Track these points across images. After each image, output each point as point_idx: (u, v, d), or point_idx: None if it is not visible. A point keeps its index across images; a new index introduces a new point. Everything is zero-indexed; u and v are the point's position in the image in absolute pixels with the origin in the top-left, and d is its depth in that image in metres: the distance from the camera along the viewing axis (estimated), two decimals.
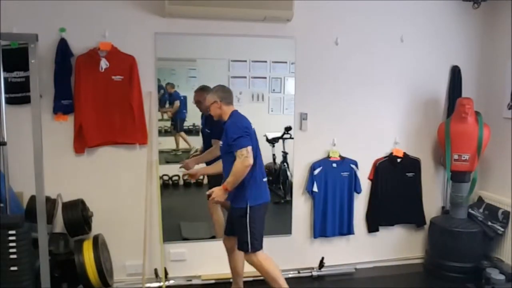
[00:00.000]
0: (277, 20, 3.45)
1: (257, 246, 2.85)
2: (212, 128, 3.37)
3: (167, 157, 3.53)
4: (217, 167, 3.03)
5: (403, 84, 3.86)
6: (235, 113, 2.88)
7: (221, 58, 3.51)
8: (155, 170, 3.42)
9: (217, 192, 2.73)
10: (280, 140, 3.71)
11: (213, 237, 3.58)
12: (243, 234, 2.82)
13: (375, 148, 3.87)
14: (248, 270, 3.39)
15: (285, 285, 2.89)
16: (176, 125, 3.58)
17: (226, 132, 2.78)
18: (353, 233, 3.84)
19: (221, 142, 2.86)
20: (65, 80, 3.17)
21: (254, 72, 3.58)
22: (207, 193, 2.78)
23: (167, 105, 3.52)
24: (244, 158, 2.66)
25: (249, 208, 2.78)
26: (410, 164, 3.91)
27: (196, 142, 3.61)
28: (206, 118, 3.43)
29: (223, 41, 3.46)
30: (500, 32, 3.81)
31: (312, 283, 3.66)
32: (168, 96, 3.49)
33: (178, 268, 3.53)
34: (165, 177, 3.52)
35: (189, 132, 3.61)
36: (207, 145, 3.48)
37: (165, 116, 3.53)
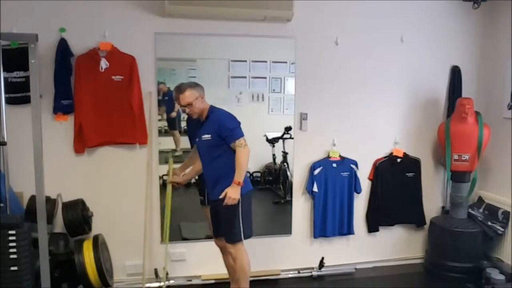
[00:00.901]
0: (277, 20, 3.45)
1: (248, 233, 2.88)
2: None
3: (167, 157, 3.52)
4: (195, 168, 3.10)
5: (403, 84, 3.86)
6: (215, 107, 2.89)
7: (221, 58, 3.51)
8: (155, 170, 3.42)
9: (231, 191, 2.68)
10: (280, 140, 3.71)
11: None
12: (235, 224, 2.80)
13: (375, 148, 3.87)
14: None
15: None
16: (174, 124, 3.56)
17: (219, 124, 2.76)
18: (353, 233, 3.84)
19: (206, 136, 2.80)
20: (65, 80, 3.17)
21: (254, 72, 3.58)
22: (221, 196, 2.71)
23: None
24: (244, 146, 2.71)
25: (241, 196, 2.77)
26: (410, 164, 3.91)
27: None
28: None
29: (223, 41, 3.46)
30: (500, 32, 3.81)
31: (312, 283, 3.66)
32: (162, 96, 3.46)
33: (178, 268, 3.53)
34: (165, 177, 3.51)
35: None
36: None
37: (165, 116, 3.52)
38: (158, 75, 3.38)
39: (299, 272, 3.73)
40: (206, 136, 2.80)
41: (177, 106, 3.45)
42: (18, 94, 3.08)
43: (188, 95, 2.79)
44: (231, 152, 2.75)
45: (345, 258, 3.88)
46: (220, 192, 2.76)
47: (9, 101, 3.03)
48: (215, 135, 2.77)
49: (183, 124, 3.57)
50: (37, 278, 2.57)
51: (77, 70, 3.16)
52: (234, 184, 2.69)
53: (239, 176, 2.70)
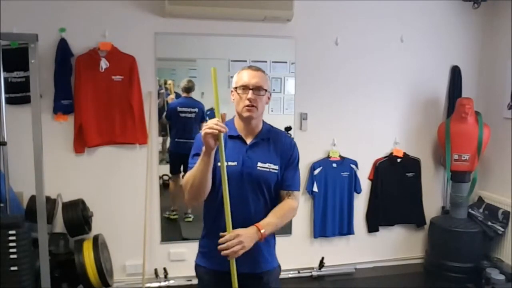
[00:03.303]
0: (277, 20, 3.45)
1: None
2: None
3: (167, 157, 3.53)
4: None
5: (403, 84, 3.85)
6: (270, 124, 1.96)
7: (221, 58, 3.51)
8: (155, 170, 3.42)
9: (247, 236, 1.63)
10: None
11: None
12: None
13: (375, 148, 3.87)
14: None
15: None
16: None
17: (293, 154, 1.84)
18: (353, 233, 3.84)
19: (271, 166, 1.77)
20: (65, 80, 3.17)
21: None
22: (228, 237, 1.61)
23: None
24: (298, 202, 1.84)
25: (279, 267, 1.90)
26: (410, 164, 3.91)
27: None
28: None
29: (223, 41, 3.46)
30: (500, 32, 3.80)
31: (312, 283, 3.66)
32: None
33: (178, 268, 3.53)
34: (165, 177, 3.52)
35: None
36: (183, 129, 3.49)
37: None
38: (158, 75, 3.38)
39: (299, 272, 3.73)
40: (271, 166, 1.77)
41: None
42: (18, 94, 3.08)
43: (266, 79, 1.79)
44: (275, 198, 1.81)
45: (345, 258, 3.88)
46: (263, 254, 1.80)
47: (9, 101, 3.03)
48: (281, 167, 1.80)
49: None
50: (37, 278, 2.57)
51: (77, 70, 3.16)
52: (257, 229, 1.67)
53: (270, 226, 1.71)
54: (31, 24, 3.04)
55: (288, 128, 3.67)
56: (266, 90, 1.77)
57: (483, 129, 3.60)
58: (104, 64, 3.18)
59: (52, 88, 3.17)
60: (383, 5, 3.69)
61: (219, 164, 1.65)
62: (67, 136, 3.24)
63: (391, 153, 3.87)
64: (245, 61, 3.55)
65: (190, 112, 3.50)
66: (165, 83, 3.43)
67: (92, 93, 3.20)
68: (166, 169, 3.50)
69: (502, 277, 3.41)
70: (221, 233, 1.62)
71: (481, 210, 3.80)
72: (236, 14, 3.31)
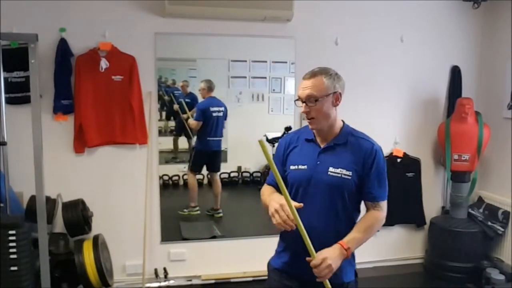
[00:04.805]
0: (277, 20, 3.45)
1: None
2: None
3: (167, 157, 3.53)
4: None
5: (403, 84, 3.86)
6: (353, 128, 1.95)
7: (221, 58, 3.51)
8: (155, 170, 3.42)
9: (335, 257, 1.56)
10: None
11: (213, 237, 3.57)
12: None
13: None
14: (249, 270, 3.39)
15: None
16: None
17: (376, 162, 1.72)
18: None
19: (343, 172, 1.69)
20: (65, 80, 3.17)
21: (254, 72, 3.58)
22: (316, 262, 1.54)
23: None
24: (385, 212, 1.75)
25: (356, 280, 1.80)
26: (410, 164, 3.91)
27: None
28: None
29: (223, 41, 3.46)
30: (500, 32, 3.80)
31: None
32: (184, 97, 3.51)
33: (178, 268, 3.53)
34: (165, 177, 3.52)
35: None
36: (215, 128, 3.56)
37: (163, 116, 3.52)
38: (158, 75, 3.38)
39: None
40: (343, 172, 1.69)
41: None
42: (18, 94, 3.08)
43: (321, 84, 1.80)
44: (350, 208, 1.73)
45: None
46: (351, 270, 1.77)
47: (9, 101, 3.03)
48: (357, 175, 1.70)
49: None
50: (37, 278, 2.57)
51: (77, 70, 3.16)
52: (341, 247, 1.60)
53: (356, 241, 1.64)
54: (31, 24, 3.04)
55: (288, 128, 3.67)
56: (321, 98, 1.76)
57: (483, 129, 3.61)
58: (104, 64, 3.18)
59: (52, 88, 3.16)
60: (383, 5, 3.69)
61: (291, 167, 1.75)
62: (67, 136, 3.24)
63: (391, 153, 3.87)
64: (245, 61, 3.55)
65: (219, 111, 3.56)
66: (174, 84, 3.44)
67: (92, 93, 3.20)
68: (166, 169, 3.50)
69: (502, 277, 3.41)
70: (308, 258, 1.57)
71: (481, 210, 3.80)
72: (236, 14, 3.31)
